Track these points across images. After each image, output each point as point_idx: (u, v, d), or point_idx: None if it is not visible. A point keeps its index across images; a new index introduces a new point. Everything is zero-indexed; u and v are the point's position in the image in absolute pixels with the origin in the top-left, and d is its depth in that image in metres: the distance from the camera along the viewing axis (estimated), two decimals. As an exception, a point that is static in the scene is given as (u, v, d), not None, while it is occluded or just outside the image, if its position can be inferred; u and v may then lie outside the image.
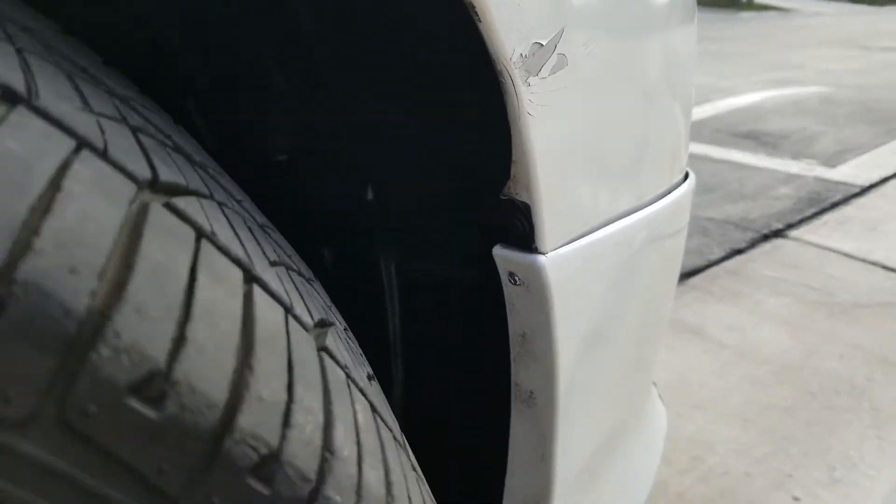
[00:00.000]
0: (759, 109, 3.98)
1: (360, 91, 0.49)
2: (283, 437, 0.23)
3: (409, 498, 0.32)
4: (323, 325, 0.31)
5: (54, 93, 0.23)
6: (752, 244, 2.10)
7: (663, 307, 0.70)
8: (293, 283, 0.31)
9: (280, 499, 0.23)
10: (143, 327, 0.20)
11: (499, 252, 0.46)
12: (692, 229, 2.20)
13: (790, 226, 2.24)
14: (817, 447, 1.24)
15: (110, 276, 0.20)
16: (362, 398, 0.31)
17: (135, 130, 0.26)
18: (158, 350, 0.20)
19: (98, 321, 0.19)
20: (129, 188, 0.22)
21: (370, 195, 0.57)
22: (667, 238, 0.63)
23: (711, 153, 3.11)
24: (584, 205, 0.47)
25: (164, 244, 0.22)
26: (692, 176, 0.72)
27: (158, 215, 0.23)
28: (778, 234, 2.17)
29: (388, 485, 0.29)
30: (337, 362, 0.30)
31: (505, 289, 0.48)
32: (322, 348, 0.29)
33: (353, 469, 0.26)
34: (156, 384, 0.20)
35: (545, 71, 0.38)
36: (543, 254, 0.45)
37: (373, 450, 0.29)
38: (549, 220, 0.44)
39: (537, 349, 0.49)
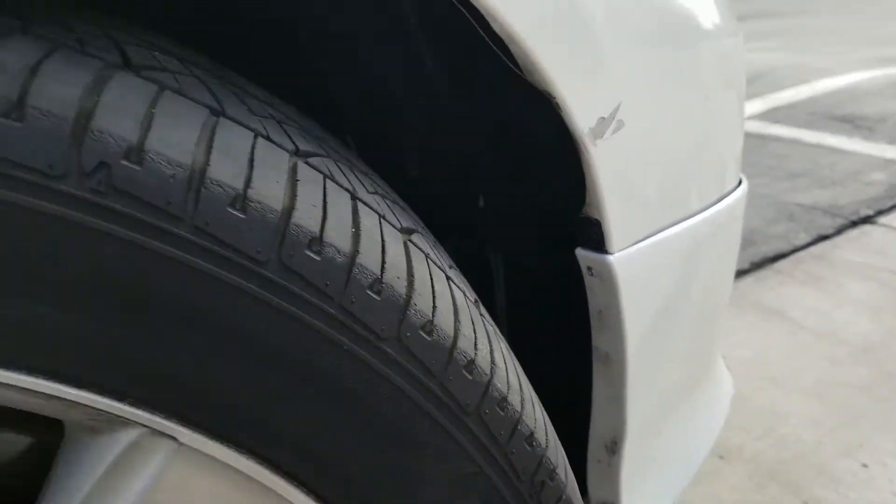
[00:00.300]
0: (856, 90, 3.89)
1: (476, 141, 0.68)
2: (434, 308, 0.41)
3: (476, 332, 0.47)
4: (409, 231, 0.45)
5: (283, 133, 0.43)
6: (840, 230, 2.15)
7: (719, 293, 0.86)
8: (384, 202, 0.48)
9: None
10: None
11: (580, 252, 0.65)
12: (779, 214, 2.27)
13: (880, 212, 2.26)
14: (889, 422, 1.34)
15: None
16: (441, 273, 0.46)
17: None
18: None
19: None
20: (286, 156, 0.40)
21: (482, 203, 0.77)
22: (719, 236, 0.79)
23: (804, 137, 3.11)
24: (640, 218, 0.65)
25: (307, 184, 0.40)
26: (745, 183, 0.87)
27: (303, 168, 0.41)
28: (867, 220, 2.21)
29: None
30: (420, 249, 0.45)
31: (585, 279, 0.66)
32: (408, 241, 0.43)
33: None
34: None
35: (608, 134, 0.56)
36: (611, 254, 0.63)
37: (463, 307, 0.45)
38: (615, 230, 0.62)
39: (610, 322, 0.67)
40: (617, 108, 0.56)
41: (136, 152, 0.30)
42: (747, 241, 2.03)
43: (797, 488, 1.19)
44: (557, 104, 0.52)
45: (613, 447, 0.74)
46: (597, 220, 0.61)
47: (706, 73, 0.72)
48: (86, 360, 0.33)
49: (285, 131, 0.40)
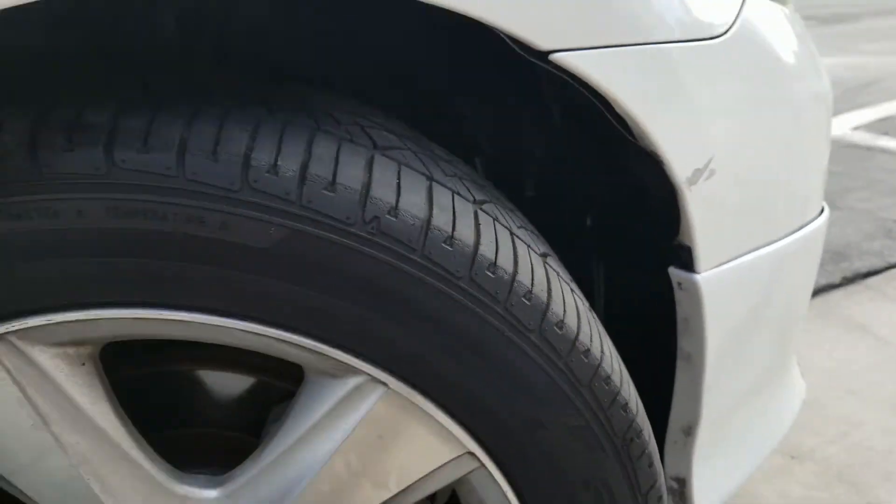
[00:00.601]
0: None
1: (588, 175, 0.84)
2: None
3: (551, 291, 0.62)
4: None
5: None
6: (940, 249, 2.15)
7: (795, 309, 0.98)
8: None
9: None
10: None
11: (672, 270, 0.79)
12: (877, 230, 2.28)
13: (985, 233, 2.23)
14: (963, 438, 1.40)
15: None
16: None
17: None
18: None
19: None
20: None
21: (589, 222, 0.93)
22: (797, 260, 0.92)
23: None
24: (725, 245, 0.79)
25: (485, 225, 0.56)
26: (826, 211, 0.99)
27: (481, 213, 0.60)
28: (970, 240, 2.19)
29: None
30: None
31: (675, 292, 0.81)
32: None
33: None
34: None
35: (701, 181, 0.71)
36: (698, 273, 0.78)
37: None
38: (702, 255, 0.76)
39: (694, 328, 0.82)
40: (709, 161, 0.71)
41: (393, 210, 0.49)
42: (841, 256, 2.06)
43: (862, 490, 1.29)
44: (661, 161, 0.67)
45: (688, 431, 0.88)
46: (688, 246, 0.76)
47: (791, 122, 0.84)
48: (346, 331, 0.52)
49: (466, 186, 0.58)
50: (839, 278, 1.98)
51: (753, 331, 0.89)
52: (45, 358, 0.54)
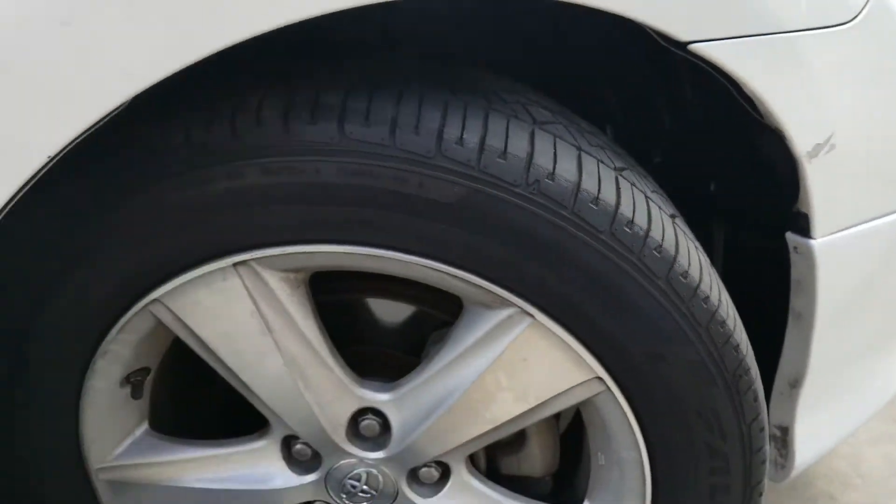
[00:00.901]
0: None
1: (713, 145, 0.92)
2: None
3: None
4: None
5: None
6: None
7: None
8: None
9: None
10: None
11: (789, 235, 0.86)
12: None
13: None
14: None
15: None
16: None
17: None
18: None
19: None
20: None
21: (713, 188, 1.00)
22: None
23: None
24: (840, 214, 0.85)
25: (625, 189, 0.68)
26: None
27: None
28: None
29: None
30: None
31: (791, 255, 0.88)
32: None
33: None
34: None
35: (821, 154, 0.78)
36: (814, 239, 0.85)
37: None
38: (818, 222, 0.83)
39: (806, 289, 0.89)
40: (830, 137, 0.77)
41: (551, 175, 0.61)
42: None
43: (974, 460, 1.31)
44: (784, 136, 0.75)
45: (794, 383, 0.96)
46: (805, 213, 0.83)
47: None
48: (505, 271, 0.65)
49: (608, 155, 0.69)
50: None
51: (865, 296, 0.95)
52: (274, 280, 0.71)
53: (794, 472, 1.00)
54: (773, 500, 1.30)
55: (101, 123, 0.52)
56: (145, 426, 0.87)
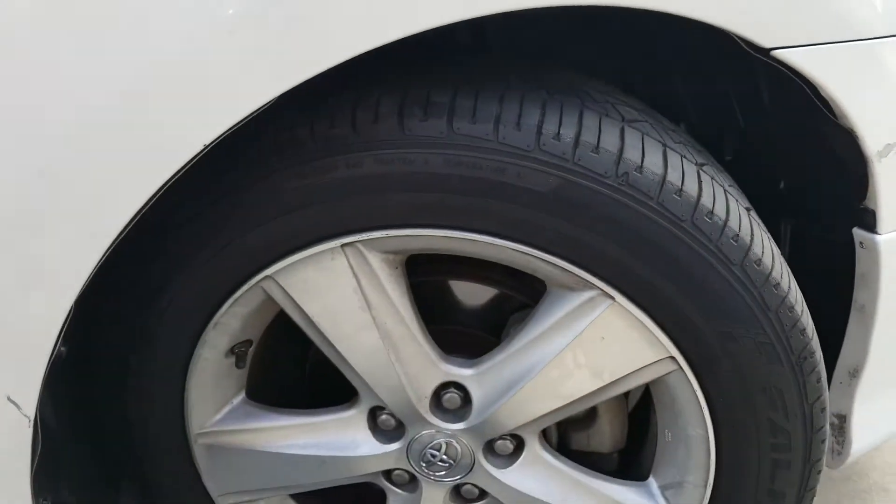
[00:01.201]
0: None
1: (784, 143, 0.96)
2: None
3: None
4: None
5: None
6: None
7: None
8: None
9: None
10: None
11: (856, 231, 0.90)
12: None
13: None
14: None
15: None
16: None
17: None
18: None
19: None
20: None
21: (782, 186, 1.04)
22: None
23: None
24: (906, 213, 0.89)
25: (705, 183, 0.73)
26: None
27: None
28: None
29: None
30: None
31: (857, 250, 0.92)
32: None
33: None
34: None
35: (891, 154, 0.82)
36: (880, 234, 0.88)
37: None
38: (885, 219, 0.87)
39: (870, 283, 0.92)
40: (900, 137, 0.81)
41: (639, 168, 0.67)
42: None
43: None
44: (856, 136, 0.79)
45: (854, 373, 0.99)
46: (873, 210, 0.87)
47: None
48: (591, 256, 0.71)
49: (690, 151, 0.74)
50: None
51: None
52: (376, 261, 0.78)
53: (850, 459, 1.03)
54: (828, 490, 1.33)
55: (249, 118, 0.59)
56: (242, 395, 0.95)
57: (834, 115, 0.77)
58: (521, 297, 0.90)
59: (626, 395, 0.93)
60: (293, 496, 1.04)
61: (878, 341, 0.97)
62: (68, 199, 0.62)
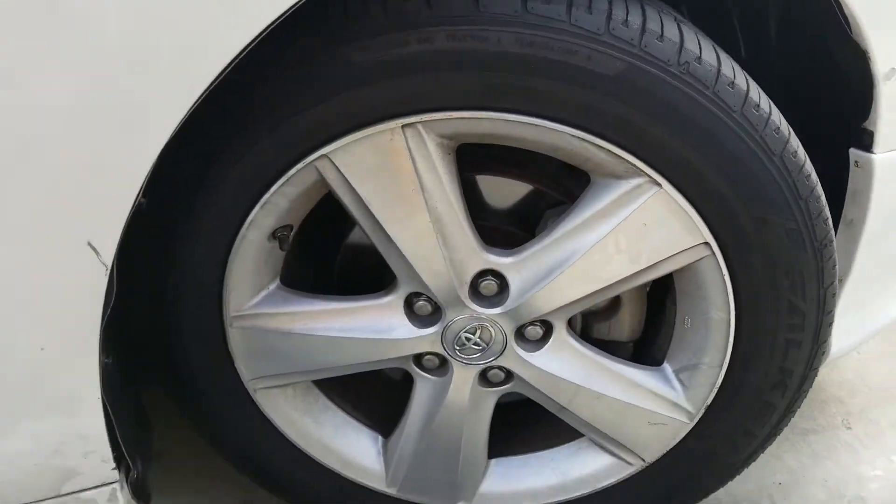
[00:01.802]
0: None
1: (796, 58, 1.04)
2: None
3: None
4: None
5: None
6: None
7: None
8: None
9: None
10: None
11: (853, 150, 0.99)
12: None
13: None
14: None
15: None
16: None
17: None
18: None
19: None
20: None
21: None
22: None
23: None
24: (898, 133, 0.98)
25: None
26: None
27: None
28: None
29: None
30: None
31: (851, 168, 1.01)
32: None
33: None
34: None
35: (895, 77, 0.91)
36: (875, 154, 0.98)
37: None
38: (881, 140, 0.96)
39: (860, 199, 1.02)
40: (904, 60, 0.90)
41: (698, 59, 0.73)
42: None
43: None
44: (867, 55, 0.87)
45: (839, 283, 1.10)
46: (871, 131, 0.96)
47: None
48: (646, 143, 0.77)
49: (722, 50, 0.81)
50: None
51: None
52: (433, 144, 0.82)
53: (830, 358, 1.15)
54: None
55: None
56: (278, 282, 0.97)
57: (851, 30, 0.85)
58: (556, 195, 0.96)
59: (646, 287, 1.01)
60: (317, 385, 1.08)
61: (863, 254, 1.07)
62: (170, 43, 0.63)
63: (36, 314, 0.71)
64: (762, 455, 1.27)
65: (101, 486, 0.85)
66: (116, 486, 0.86)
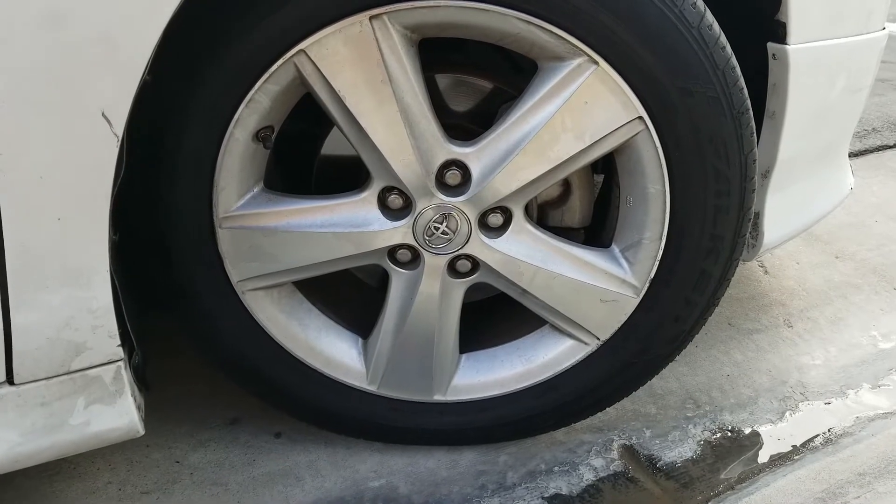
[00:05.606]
0: None
1: None
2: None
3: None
4: None
5: None
6: None
7: (853, 102, 1.30)
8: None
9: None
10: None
11: (770, 44, 1.11)
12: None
13: None
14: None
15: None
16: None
17: None
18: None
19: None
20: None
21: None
22: (858, 56, 1.23)
23: None
24: (811, 28, 1.11)
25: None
26: (886, 30, 1.29)
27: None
28: None
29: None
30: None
31: (770, 61, 1.14)
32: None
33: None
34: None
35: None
36: (789, 45, 1.11)
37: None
38: (794, 31, 1.09)
39: (779, 91, 1.15)
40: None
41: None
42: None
43: (890, 279, 1.64)
44: (777, -54, 0.99)
45: (765, 174, 1.23)
46: (784, 23, 1.09)
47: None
48: (587, 26, 0.88)
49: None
50: (893, 142, 2.28)
51: (825, 106, 1.23)
52: (398, 36, 0.91)
53: (762, 251, 1.28)
54: (736, 307, 1.60)
55: None
56: (261, 184, 1.06)
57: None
58: (510, 91, 1.07)
59: (593, 176, 1.12)
60: (300, 290, 1.16)
61: (786, 145, 1.20)
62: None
63: (55, 183, 0.77)
64: (712, 353, 1.41)
65: (108, 363, 0.92)
66: (121, 363, 0.92)
